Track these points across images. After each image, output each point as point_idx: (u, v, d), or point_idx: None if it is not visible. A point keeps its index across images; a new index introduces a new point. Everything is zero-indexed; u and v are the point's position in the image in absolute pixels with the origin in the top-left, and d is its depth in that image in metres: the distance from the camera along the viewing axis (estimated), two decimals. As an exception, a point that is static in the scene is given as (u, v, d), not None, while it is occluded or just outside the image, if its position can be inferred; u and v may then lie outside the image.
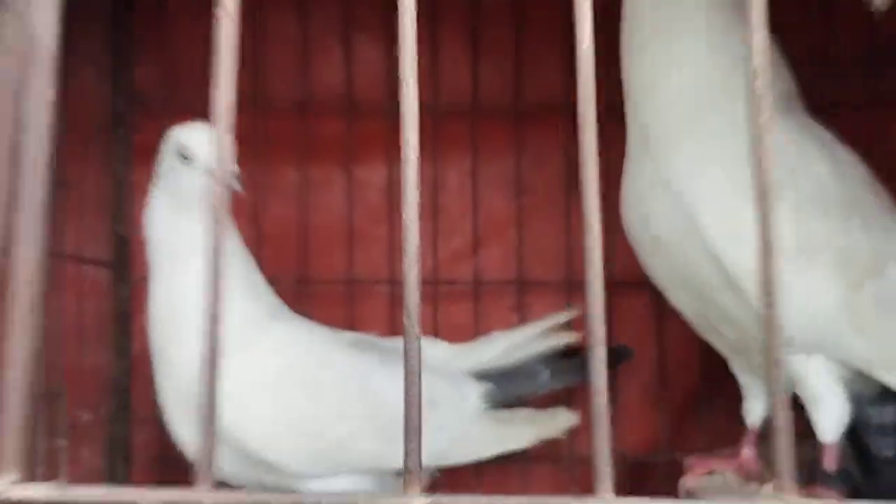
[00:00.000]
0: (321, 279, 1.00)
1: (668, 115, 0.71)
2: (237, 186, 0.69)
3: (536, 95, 1.01)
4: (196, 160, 0.73)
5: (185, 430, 0.76)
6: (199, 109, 0.98)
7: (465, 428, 0.84)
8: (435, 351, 0.88)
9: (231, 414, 0.67)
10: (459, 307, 1.01)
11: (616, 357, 0.92)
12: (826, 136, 0.74)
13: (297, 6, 1.01)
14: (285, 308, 0.83)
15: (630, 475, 0.97)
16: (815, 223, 0.69)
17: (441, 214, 1.02)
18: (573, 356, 0.92)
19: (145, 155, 0.94)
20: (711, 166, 0.69)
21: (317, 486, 0.78)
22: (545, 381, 0.89)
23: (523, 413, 0.89)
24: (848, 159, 0.74)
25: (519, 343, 0.91)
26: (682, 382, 0.99)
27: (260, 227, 0.99)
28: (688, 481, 0.80)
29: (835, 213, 0.70)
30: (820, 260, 0.69)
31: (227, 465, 0.74)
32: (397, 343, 0.85)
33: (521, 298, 1.00)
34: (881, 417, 0.76)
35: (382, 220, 1.02)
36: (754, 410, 0.80)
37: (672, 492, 0.87)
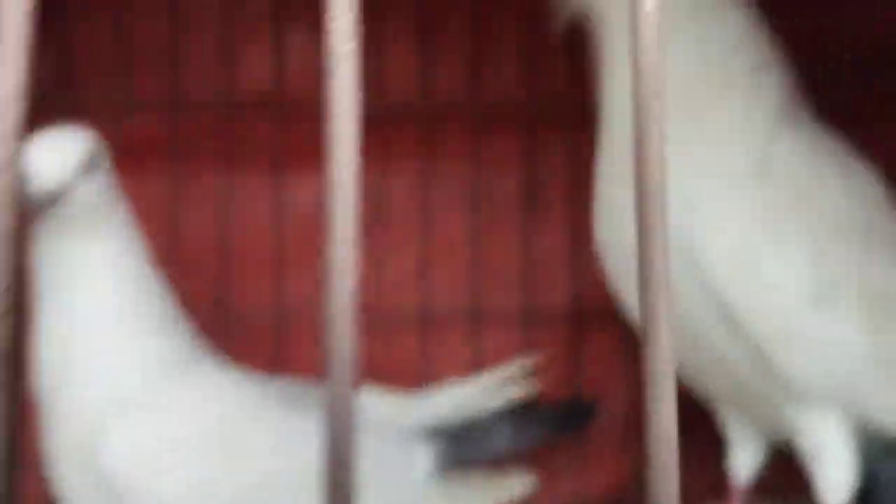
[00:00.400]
0: (244, 307, 0.89)
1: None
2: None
3: (495, 98, 0.90)
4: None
5: (73, 483, 0.67)
6: (95, 107, 0.91)
7: (412, 499, 0.72)
8: (375, 403, 0.76)
9: (137, 482, 0.62)
10: (404, 340, 0.89)
11: (580, 414, 0.81)
12: (838, 150, 0.66)
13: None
14: (202, 349, 0.73)
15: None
16: (835, 259, 0.61)
17: (385, 232, 0.90)
18: (536, 409, 0.81)
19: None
20: (714, 189, 0.60)
21: None
22: (506, 439, 0.77)
23: (478, 477, 0.77)
24: (864, 177, 0.66)
25: (475, 394, 0.79)
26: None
27: (175, 243, 0.87)
28: None
29: (856, 246, 0.61)
30: (841, 302, 0.59)
31: None
32: None
33: (474, 330, 0.89)
34: (892, 473, 0.68)
35: (317, 238, 0.89)
36: (744, 465, 0.71)
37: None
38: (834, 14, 0.85)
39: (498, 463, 0.78)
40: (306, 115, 0.87)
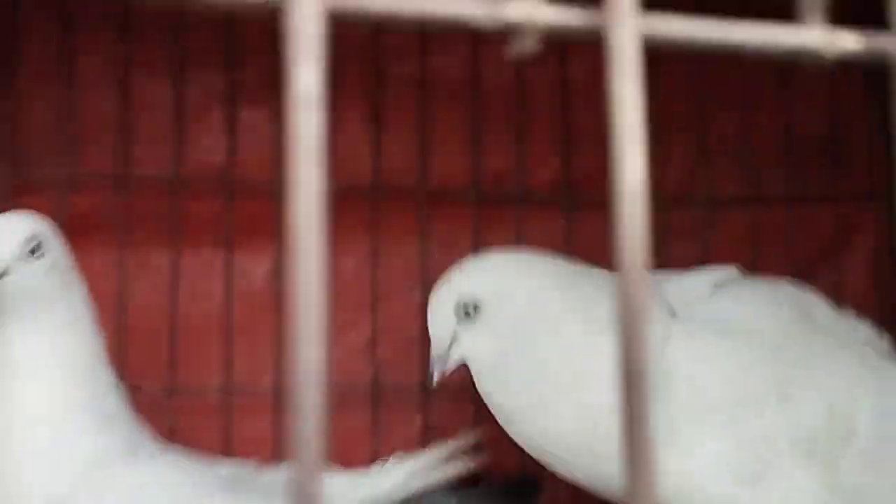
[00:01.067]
0: (194, 386, 0.87)
1: None
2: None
3: (443, 177, 0.92)
4: None
5: None
6: (41, 182, 0.90)
7: None
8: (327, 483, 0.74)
9: None
10: (356, 414, 0.88)
11: (526, 489, 0.81)
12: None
13: (173, 71, 0.90)
14: (147, 437, 0.70)
15: None
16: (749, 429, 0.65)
17: (336, 307, 0.90)
18: (483, 483, 0.80)
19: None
20: None
21: None
22: None
23: None
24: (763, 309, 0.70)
25: (422, 469, 0.77)
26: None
27: (124, 318, 0.85)
28: None
29: (771, 405, 0.66)
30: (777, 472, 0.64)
31: None
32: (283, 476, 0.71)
33: (425, 403, 0.89)
34: None
35: (267, 314, 0.89)
36: None
37: None
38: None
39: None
40: (257, 192, 0.88)
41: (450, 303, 0.67)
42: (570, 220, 0.92)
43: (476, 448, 0.80)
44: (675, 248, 0.87)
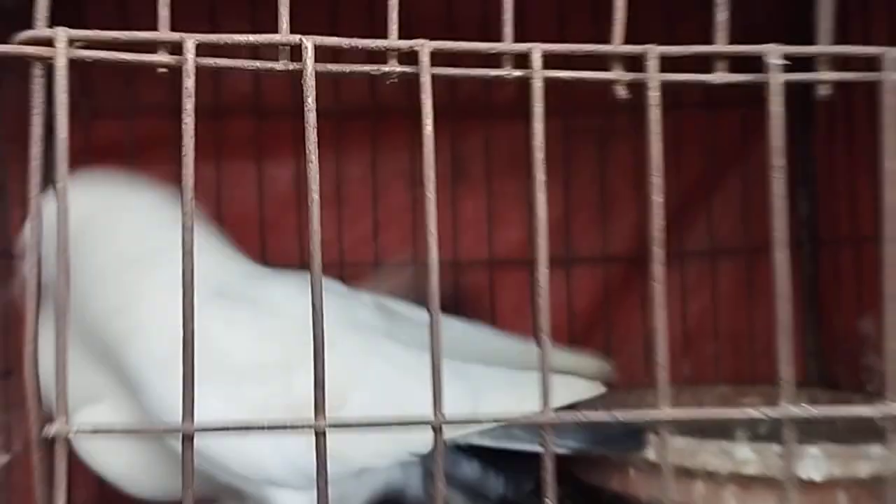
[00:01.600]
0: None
1: None
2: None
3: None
4: None
5: None
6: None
7: None
8: None
9: None
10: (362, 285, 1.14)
11: None
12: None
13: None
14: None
15: None
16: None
17: (344, 204, 1.15)
18: None
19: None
20: None
21: None
22: None
23: None
24: None
25: None
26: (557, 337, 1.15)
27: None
28: None
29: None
30: None
31: None
32: None
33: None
34: None
35: (291, 213, 1.14)
36: None
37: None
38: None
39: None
40: (281, 114, 1.12)
41: None
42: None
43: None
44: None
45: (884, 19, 0.98)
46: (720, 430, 0.89)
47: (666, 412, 0.39)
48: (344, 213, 1.15)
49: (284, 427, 0.37)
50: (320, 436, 0.36)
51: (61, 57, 0.36)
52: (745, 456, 0.78)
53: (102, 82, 1.10)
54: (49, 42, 0.36)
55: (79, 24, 0.36)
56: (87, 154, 0.97)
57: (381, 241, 1.16)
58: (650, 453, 0.81)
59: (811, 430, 0.71)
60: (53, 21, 0.38)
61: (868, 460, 0.77)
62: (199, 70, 0.38)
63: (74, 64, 0.37)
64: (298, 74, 0.38)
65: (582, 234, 1.18)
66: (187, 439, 0.36)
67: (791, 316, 0.39)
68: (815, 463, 0.77)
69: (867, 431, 0.72)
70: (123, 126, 1.09)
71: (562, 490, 0.80)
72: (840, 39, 0.40)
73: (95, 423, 0.73)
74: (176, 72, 0.38)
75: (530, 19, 1.05)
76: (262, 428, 0.36)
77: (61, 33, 0.36)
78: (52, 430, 0.35)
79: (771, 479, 0.77)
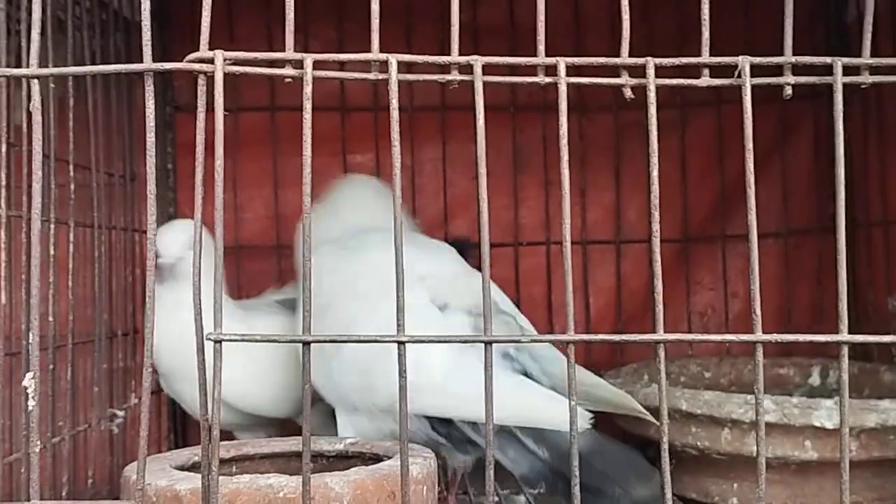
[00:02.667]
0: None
1: None
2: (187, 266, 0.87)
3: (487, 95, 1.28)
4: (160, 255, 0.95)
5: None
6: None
7: None
8: None
9: None
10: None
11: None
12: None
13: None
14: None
15: None
16: None
17: (418, 192, 1.30)
18: None
19: (185, 149, 1.22)
20: None
21: None
22: None
23: None
24: None
25: None
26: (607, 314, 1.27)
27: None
28: None
29: None
30: None
31: None
32: None
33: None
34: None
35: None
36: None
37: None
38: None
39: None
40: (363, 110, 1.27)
41: None
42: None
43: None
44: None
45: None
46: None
47: (662, 335, 0.51)
48: (417, 200, 1.30)
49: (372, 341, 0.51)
50: (401, 346, 0.50)
51: (219, 72, 0.50)
52: (766, 406, 0.89)
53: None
54: (208, 60, 0.51)
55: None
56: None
57: (450, 226, 1.31)
58: (683, 404, 0.93)
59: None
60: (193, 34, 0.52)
61: (876, 412, 0.88)
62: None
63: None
64: (385, 82, 0.52)
65: (635, 217, 1.30)
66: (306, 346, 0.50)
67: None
68: (828, 413, 0.88)
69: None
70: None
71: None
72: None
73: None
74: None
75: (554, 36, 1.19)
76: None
77: (219, 54, 0.50)
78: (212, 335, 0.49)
79: (789, 426, 0.88)
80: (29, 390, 0.51)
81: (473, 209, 1.28)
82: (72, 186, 0.88)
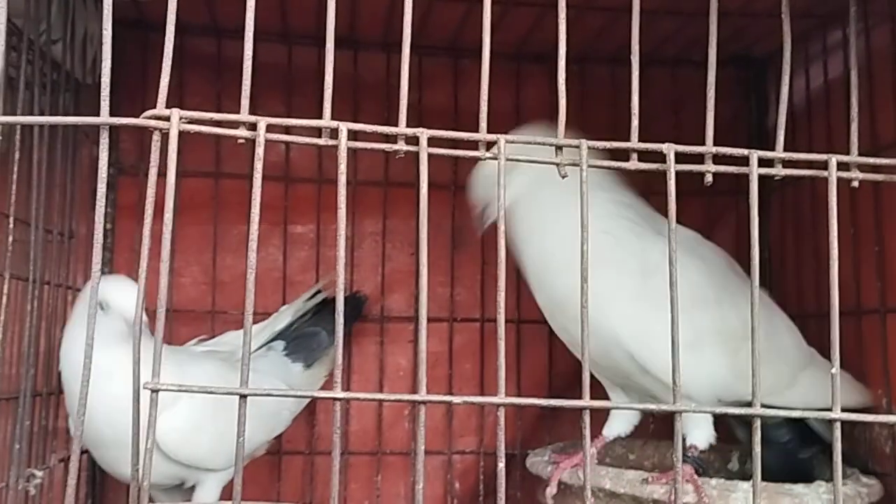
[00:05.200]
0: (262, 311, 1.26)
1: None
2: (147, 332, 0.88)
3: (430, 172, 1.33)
4: (111, 309, 0.93)
5: None
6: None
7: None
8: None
9: None
10: (370, 339, 1.31)
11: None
12: (689, 236, 1.05)
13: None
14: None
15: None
16: (699, 319, 0.96)
17: (357, 265, 1.32)
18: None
19: (126, 211, 1.22)
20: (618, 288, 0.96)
21: None
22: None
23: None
24: (711, 255, 1.06)
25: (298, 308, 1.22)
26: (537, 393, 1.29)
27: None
28: (551, 488, 1.01)
29: (711, 306, 0.98)
30: (707, 345, 0.97)
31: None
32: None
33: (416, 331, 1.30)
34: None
35: (310, 268, 1.31)
36: (613, 428, 1.09)
37: (525, 479, 1.15)
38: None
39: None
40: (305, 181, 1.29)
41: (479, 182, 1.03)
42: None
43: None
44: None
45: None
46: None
47: (588, 402, 0.54)
48: (356, 274, 1.32)
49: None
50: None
51: (174, 129, 0.52)
52: (686, 487, 0.91)
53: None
54: (164, 118, 0.53)
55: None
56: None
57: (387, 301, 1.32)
58: (607, 483, 0.95)
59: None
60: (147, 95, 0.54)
61: (790, 496, 0.91)
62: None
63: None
64: (332, 151, 0.55)
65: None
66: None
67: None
68: (744, 495, 0.91)
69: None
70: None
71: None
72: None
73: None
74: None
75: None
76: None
77: (175, 112, 0.53)
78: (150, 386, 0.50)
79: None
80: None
81: (411, 284, 1.31)
82: (10, 239, 0.87)
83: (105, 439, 0.96)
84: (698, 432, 1.00)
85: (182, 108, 0.55)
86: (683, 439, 0.95)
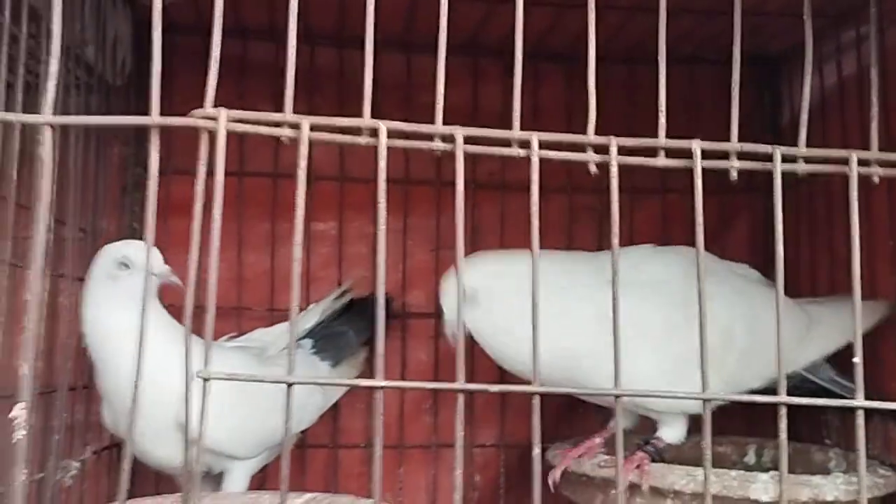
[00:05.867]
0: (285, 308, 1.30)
1: None
2: (176, 280, 0.95)
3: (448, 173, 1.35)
4: (135, 266, 0.96)
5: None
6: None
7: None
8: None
9: None
10: (392, 335, 1.33)
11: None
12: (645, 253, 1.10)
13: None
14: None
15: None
16: (674, 348, 1.00)
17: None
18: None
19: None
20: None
21: None
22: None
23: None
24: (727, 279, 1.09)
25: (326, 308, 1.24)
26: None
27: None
28: (555, 473, 1.07)
29: (682, 330, 0.97)
30: (684, 372, 0.97)
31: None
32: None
33: (437, 327, 1.32)
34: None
35: (332, 265, 1.33)
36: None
37: (546, 473, 1.18)
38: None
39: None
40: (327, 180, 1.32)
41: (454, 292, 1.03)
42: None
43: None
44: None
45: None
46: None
47: (620, 390, 0.56)
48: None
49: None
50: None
51: (222, 128, 0.55)
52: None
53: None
54: (212, 118, 0.55)
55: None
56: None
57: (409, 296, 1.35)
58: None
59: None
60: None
61: (809, 486, 0.93)
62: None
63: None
64: (374, 147, 0.57)
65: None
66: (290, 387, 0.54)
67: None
68: (764, 486, 0.93)
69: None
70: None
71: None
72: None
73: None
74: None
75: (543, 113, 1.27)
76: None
77: (223, 112, 0.55)
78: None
79: (727, 497, 0.93)
80: (17, 421, 0.53)
81: (431, 280, 1.33)
82: (50, 237, 0.90)
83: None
84: (670, 430, 1.06)
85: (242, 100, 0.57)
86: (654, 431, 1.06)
